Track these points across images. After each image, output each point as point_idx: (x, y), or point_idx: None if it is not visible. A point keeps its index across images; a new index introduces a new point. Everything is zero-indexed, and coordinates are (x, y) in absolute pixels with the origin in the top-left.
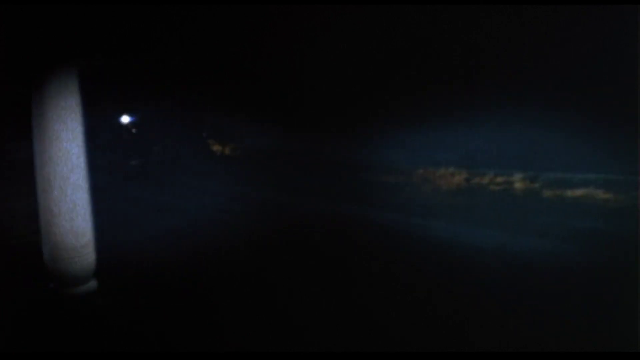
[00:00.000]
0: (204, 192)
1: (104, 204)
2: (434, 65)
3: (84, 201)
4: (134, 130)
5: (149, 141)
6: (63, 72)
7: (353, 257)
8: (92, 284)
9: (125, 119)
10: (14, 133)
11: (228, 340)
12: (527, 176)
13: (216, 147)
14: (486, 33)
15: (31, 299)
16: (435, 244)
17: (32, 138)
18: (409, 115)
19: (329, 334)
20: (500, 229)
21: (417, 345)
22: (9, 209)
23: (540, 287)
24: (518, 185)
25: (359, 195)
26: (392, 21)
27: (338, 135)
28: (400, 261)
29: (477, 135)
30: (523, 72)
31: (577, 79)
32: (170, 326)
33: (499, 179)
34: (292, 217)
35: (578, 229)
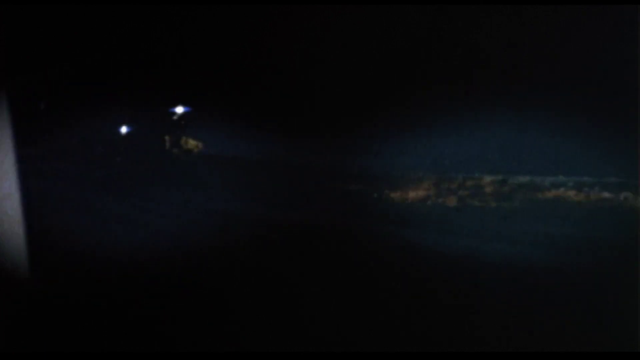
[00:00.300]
0: (171, 203)
1: (63, 215)
2: (404, 70)
3: (14, 235)
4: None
5: (115, 149)
6: None
7: (342, 265)
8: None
9: (124, 129)
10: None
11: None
12: (496, 180)
13: (191, 146)
14: (460, 36)
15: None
16: (407, 252)
17: None
18: (378, 120)
19: (329, 334)
20: (469, 236)
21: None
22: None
23: (515, 295)
24: (488, 189)
25: (328, 204)
26: (362, 27)
27: (309, 141)
28: (381, 268)
29: (447, 139)
30: (494, 76)
31: (551, 82)
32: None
33: (469, 183)
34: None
35: (549, 234)
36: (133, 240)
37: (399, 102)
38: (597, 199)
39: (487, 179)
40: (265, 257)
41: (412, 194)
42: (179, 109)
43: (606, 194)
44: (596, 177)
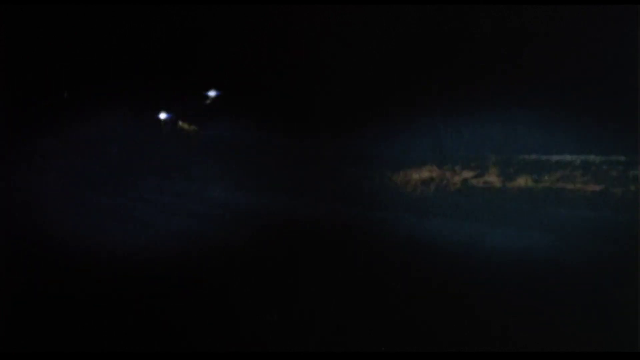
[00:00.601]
0: (163, 193)
1: (57, 209)
2: (412, 65)
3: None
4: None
5: (108, 141)
6: None
7: (343, 256)
8: None
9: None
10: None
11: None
12: (500, 160)
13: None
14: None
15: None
16: (412, 240)
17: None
18: (389, 110)
19: (332, 329)
20: (474, 220)
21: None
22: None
23: (517, 289)
24: (492, 170)
25: (340, 194)
26: (371, 29)
27: (313, 132)
28: (387, 252)
29: (454, 123)
30: (501, 64)
31: (554, 71)
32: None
33: (473, 164)
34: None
35: (556, 216)
36: (141, 238)
37: (410, 93)
38: (605, 179)
39: (492, 158)
40: (269, 248)
41: (416, 177)
42: (212, 93)
43: (614, 173)
44: (603, 156)
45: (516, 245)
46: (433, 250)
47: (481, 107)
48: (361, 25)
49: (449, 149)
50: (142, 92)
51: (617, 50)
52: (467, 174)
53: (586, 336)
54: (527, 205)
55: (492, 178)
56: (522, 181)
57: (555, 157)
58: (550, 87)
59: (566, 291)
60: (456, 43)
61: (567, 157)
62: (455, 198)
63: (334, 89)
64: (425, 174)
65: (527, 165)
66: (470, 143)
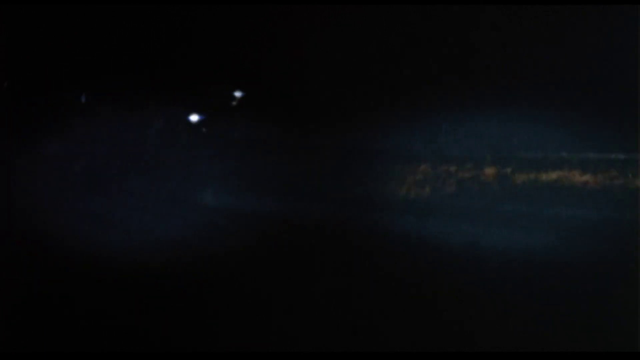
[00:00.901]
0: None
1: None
2: (403, 60)
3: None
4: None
5: (110, 143)
6: None
7: (338, 258)
8: None
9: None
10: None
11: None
12: (498, 158)
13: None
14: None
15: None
16: (405, 243)
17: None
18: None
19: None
20: (470, 221)
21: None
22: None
23: (515, 290)
24: (488, 170)
25: (337, 194)
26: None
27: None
28: (381, 253)
29: (449, 121)
30: (500, 63)
31: (554, 68)
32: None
33: (468, 164)
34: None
35: (555, 216)
36: (138, 244)
37: (406, 92)
38: (604, 177)
39: (489, 157)
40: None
41: (410, 177)
42: (238, 93)
43: (613, 171)
44: (602, 153)
45: (514, 247)
46: (430, 252)
47: (477, 104)
48: (360, 24)
49: (444, 147)
50: (143, 92)
51: (616, 48)
52: (463, 172)
53: (586, 336)
54: (525, 205)
55: (489, 177)
56: (519, 180)
57: (553, 155)
58: (547, 84)
59: (566, 291)
60: (453, 41)
61: (565, 156)
62: (450, 198)
63: (333, 87)
64: (420, 173)
65: (524, 163)
66: (467, 141)
